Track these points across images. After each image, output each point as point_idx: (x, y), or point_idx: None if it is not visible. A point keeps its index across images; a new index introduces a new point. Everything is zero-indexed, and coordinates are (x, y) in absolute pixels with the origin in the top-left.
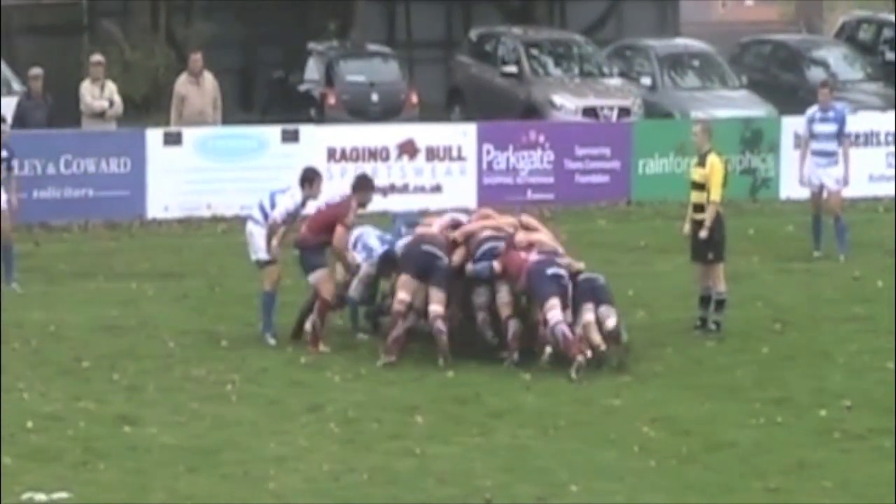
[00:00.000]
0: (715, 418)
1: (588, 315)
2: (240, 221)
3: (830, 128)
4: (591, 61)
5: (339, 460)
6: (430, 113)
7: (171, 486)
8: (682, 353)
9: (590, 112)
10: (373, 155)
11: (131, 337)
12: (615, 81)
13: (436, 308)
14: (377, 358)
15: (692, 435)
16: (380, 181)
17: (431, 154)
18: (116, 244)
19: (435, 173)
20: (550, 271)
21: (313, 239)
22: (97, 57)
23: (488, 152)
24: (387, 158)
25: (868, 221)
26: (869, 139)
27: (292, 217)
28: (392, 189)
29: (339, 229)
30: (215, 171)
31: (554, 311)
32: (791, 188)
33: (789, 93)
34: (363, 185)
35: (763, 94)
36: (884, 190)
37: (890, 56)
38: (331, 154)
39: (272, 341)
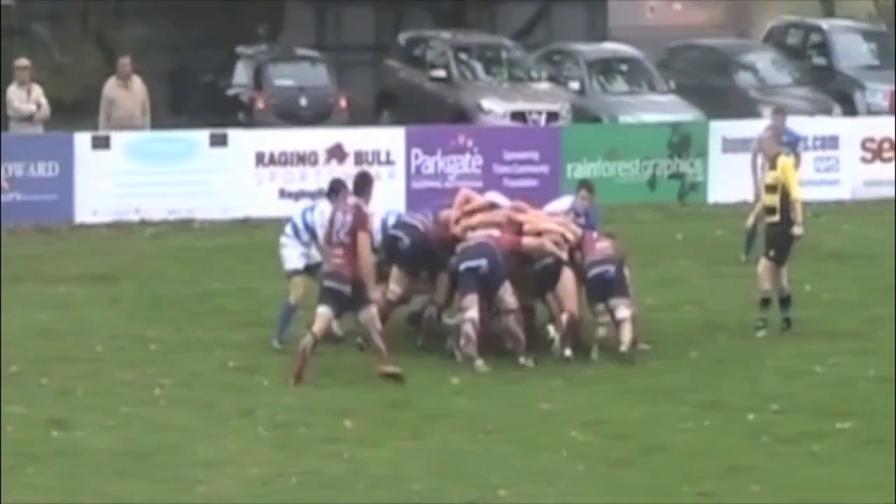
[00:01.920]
0: (646, 422)
1: (605, 317)
2: (169, 225)
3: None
4: (520, 66)
5: (270, 464)
6: (360, 117)
7: (102, 490)
8: (614, 357)
9: (518, 116)
10: (301, 159)
11: (61, 341)
12: (544, 86)
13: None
14: (309, 363)
15: (623, 439)
16: (308, 186)
17: (360, 158)
18: (46, 248)
19: None
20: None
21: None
22: (23, 61)
23: (417, 156)
24: (315, 163)
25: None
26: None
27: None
28: (321, 193)
29: (363, 237)
30: (144, 174)
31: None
32: (719, 192)
33: (718, 97)
34: (366, 183)
35: (691, 98)
36: (813, 194)
37: (818, 61)
38: (259, 158)
39: (279, 345)
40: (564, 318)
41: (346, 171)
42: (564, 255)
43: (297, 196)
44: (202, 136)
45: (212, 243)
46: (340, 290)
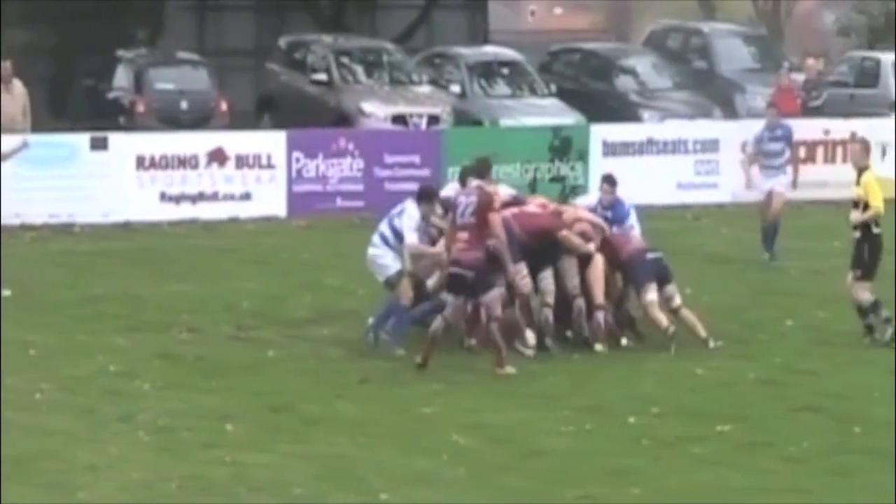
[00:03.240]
0: (527, 426)
1: (651, 294)
2: (49, 230)
3: (779, 146)
4: (401, 69)
5: (151, 469)
6: (241, 121)
7: None
8: (495, 361)
9: (399, 120)
10: (182, 163)
11: None
12: (425, 89)
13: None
14: (191, 367)
15: (504, 443)
16: (189, 189)
17: (241, 162)
18: None
19: (245, 181)
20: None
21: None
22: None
23: (298, 160)
24: (196, 166)
25: (678, 229)
26: (677, 147)
27: (422, 231)
28: (201, 197)
29: (494, 217)
30: (25, 179)
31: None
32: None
33: (598, 101)
34: (487, 167)
35: (572, 102)
36: (692, 197)
37: (699, 64)
38: (140, 162)
39: (401, 351)
40: (601, 315)
41: (228, 175)
42: (593, 246)
43: (178, 199)
44: (83, 139)
45: (93, 247)
46: (464, 276)
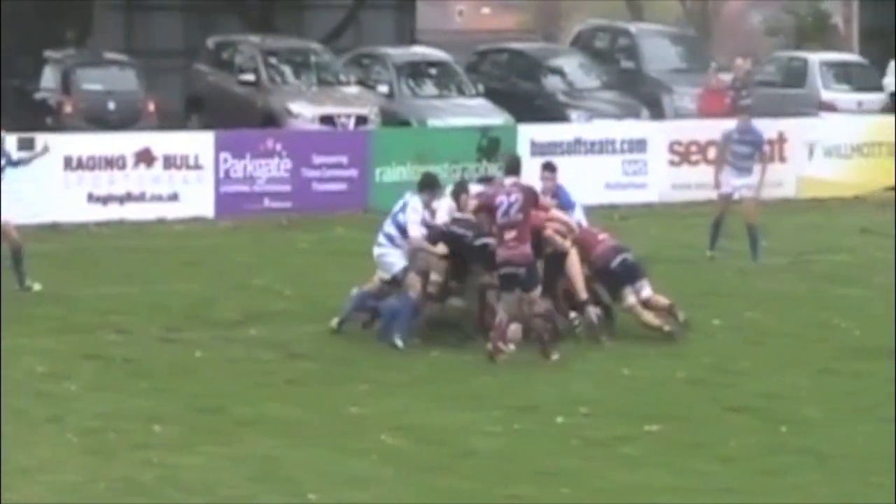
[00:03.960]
0: (457, 426)
1: (630, 299)
2: None
3: (748, 149)
4: (329, 70)
5: (80, 471)
6: (168, 121)
7: None
8: (424, 362)
9: (327, 120)
10: (110, 163)
11: None
12: (353, 90)
13: None
14: (120, 369)
15: (434, 443)
16: (116, 190)
17: (168, 162)
18: None
19: (172, 181)
20: None
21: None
22: None
23: (226, 160)
24: (124, 167)
25: (605, 229)
26: (605, 147)
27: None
28: (129, 198)
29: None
30: None
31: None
32: None
33: (526, 101)
34: (518, 165)
35: (500, 102)
36: (620, 197)
37: (626, 64)
38: (67, 162)
39: (401, 344)
40: (592, 311)
41: (155, 175)
42: (568, 244)
43: (106, 200)
44: (9, 140)
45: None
46: (516, 274)
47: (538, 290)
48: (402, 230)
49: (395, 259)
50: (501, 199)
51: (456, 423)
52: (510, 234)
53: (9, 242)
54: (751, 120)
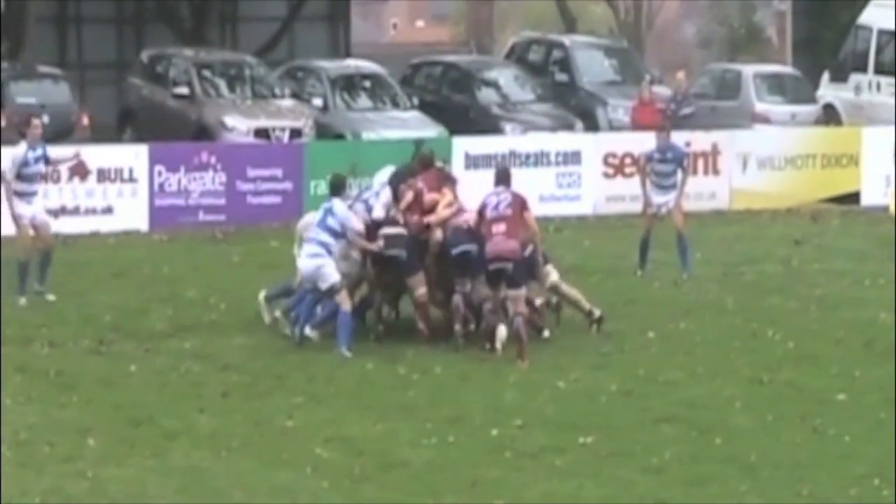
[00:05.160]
0: (388, 438)
1: (553, 276)
2: None
3: (669, 167)
4: (263, 83)
5: (11, 483)
6: (102, 134)
7: None
8: (358, 373)
9: (262, 133)
10: (44, 177)
11: None
12: (287, 103)
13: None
14: (51, 382)
15: (365, 454)
16: (50, 203)
17: (103, 176)
18: None
19: (106, 195)
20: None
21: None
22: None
23: (160, 174)
24: (58, 180)
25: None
26: (539, 160)
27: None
28: (63, 211)
29: (529, 216)
30: None
31: None
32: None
33: (460, 113)
34: (508, 175)
35: (434, 114)
36: (554, 210)
37: (560, 77)
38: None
39: (348, 354)
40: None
41: (89, 189)
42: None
43: None
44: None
45: None
46: (504, 269)
47: (524, 290)
48: (336, 234)
49: (331, 270)
50: (490, 200)
51: (388, 434)
52: (499, 228)
53: (44, 243)
54: (669, 138)
